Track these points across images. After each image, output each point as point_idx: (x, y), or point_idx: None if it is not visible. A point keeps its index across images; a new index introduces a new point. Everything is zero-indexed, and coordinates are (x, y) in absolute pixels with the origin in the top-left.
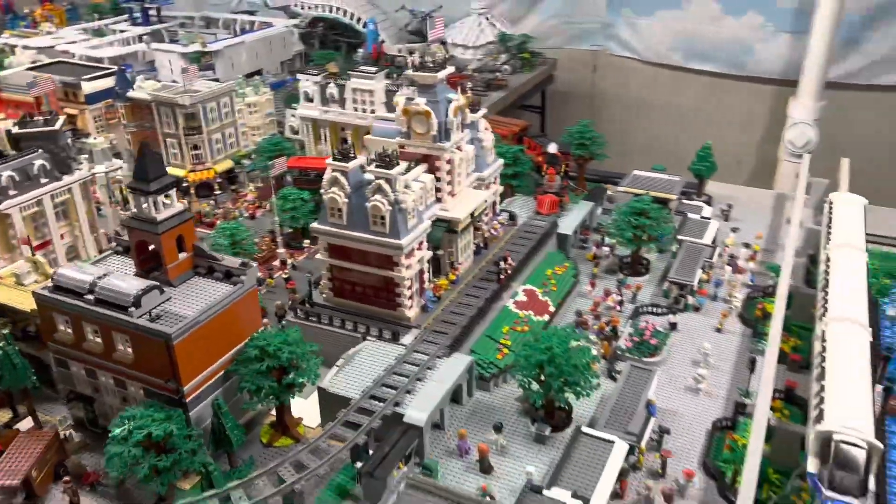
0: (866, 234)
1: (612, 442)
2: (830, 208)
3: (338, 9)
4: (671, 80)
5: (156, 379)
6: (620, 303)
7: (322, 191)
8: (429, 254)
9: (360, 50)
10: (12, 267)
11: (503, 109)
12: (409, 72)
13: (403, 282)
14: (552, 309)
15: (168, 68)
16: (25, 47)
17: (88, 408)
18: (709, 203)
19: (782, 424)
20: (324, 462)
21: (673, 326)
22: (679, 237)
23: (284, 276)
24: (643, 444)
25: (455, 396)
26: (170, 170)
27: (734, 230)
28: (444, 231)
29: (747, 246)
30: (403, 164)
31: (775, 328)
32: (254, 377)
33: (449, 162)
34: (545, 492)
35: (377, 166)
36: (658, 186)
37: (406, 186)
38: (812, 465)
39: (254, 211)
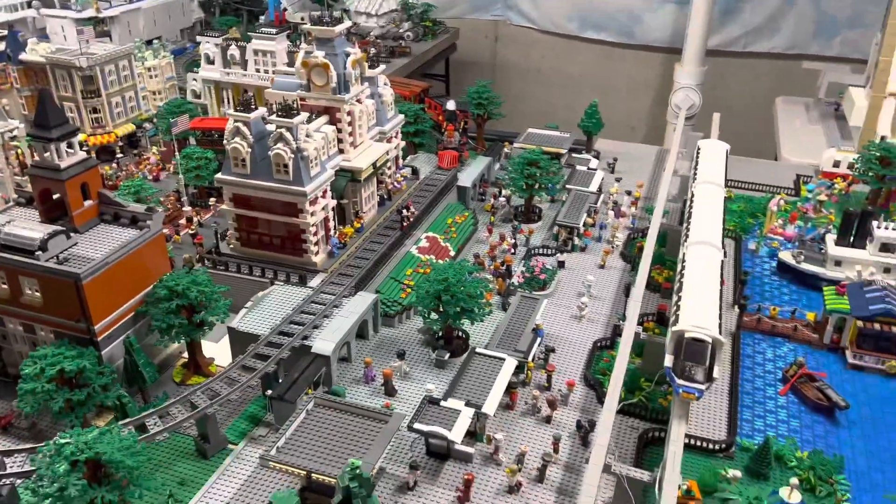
0: (737, 182)
1: (503, 359)
2: (698, 153)
3: None
4: (567, 49)
5: (66, 321)
6: (514, 246)
7: (225, 142)
8: (333, 202)
9: (262, 17)
10: None
11: (406, 76)
12: (308, 26)
13: (309, 228)
14: (452, 253)
15: (61, 35)
16: None
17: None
18: (597, 157)
19: (651, 338)
20: (235, 389)
21: (561, 265)
22: (567, 186)
23: (191, 232)
24: (530, 359)
25: (361, 332)
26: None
27: (618, 180)
28: (347, 181)
29: (629, 193)
30: (304, 115)
31: (645, 258)
32: (164, 316)
33: (349, 114)
34: (442, 402)
35: (278, 116)
36: (550, 142)
37: (307, 136)
38: (668, 361)
39: (157, 173)
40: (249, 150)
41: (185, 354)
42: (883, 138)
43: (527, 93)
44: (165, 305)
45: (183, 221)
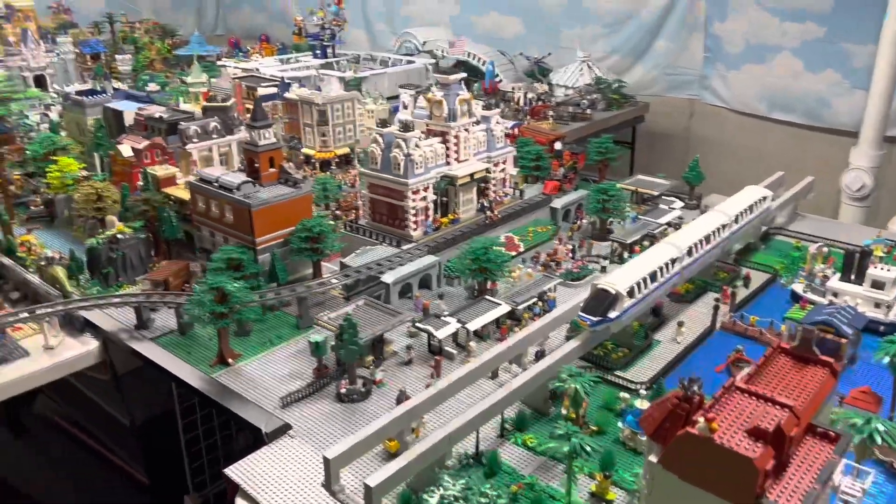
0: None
1: (500, 304)
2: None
3: (470, 54)
4: (756, 128)
5: (243, 234)
6: (573, 250)
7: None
8: (433, 196)
9: (476, 84)
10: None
11: (582, 138)
12: (436, 74)
13: (409, 210)
14: (521, 249)
15: (329, 88)
16: (234, 67)
17: (209, 256)
18: (697, 204)
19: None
20: (326, 288)
21: (603, 269)
22: (640, 216)
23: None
24: (522, 309)
25: (426, 283)
26: (304, 149)
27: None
28: (447, 183)
29: None
30: (417, 132)
31: None
32: (298, 241)
33: (455, 137)
34: (442, 317)
35: (399, 131)
36: (648, 185)
37: (416, 146)
38: (581, 306)
39: (354, 182)
40: (381, 152)
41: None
42: None
43: (717, 165)
44: (301, 235)
45: (353, 212)
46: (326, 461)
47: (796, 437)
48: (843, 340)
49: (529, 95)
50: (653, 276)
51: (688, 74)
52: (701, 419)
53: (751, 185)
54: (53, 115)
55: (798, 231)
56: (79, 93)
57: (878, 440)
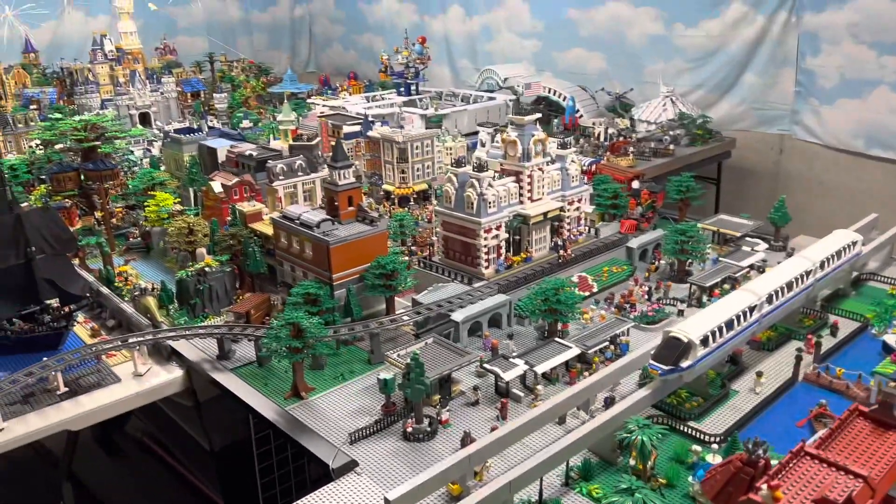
0: None
1: (570, 347)
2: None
3: (551, 89)
4: (852, 165)
5: (321, 270)
6: (649, 292)
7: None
8: (505, 235)
9: (556, 120)
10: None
11: (664, 175)
12: (510, 116)
13: (482, 248)
14: (595, 290)
15: (412, 125)
16: (322, 105)
17: (289, 290)
18: (783, 246)
19: None
20: (398, 325)
21: (680, 313)
22: (721, 258)
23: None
24: (593, 352)
25: (496, 322)
26: (385, 185)
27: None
28: (519, 222)
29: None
30: (491, 171)
31: None
32: (373, 278)
33: (529, 176)
34: (510, 358)
35: (474, 170)
36: (730, 226)
37: (490, 185)
38: (653, 353)
39: (430, 217)
40: (455, 191)
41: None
42: None
43: (808, 204)
44: (375, 272)
45: (428, 248)
46: (388, 503)
47: None
48: None
49: (610, 131)
50: (729, 325)
51: (778, 109)
52: (764, 486)
53: (839, 229)
54: (155, 151)
55: (894, 277)
56: (177, 131)
57: None
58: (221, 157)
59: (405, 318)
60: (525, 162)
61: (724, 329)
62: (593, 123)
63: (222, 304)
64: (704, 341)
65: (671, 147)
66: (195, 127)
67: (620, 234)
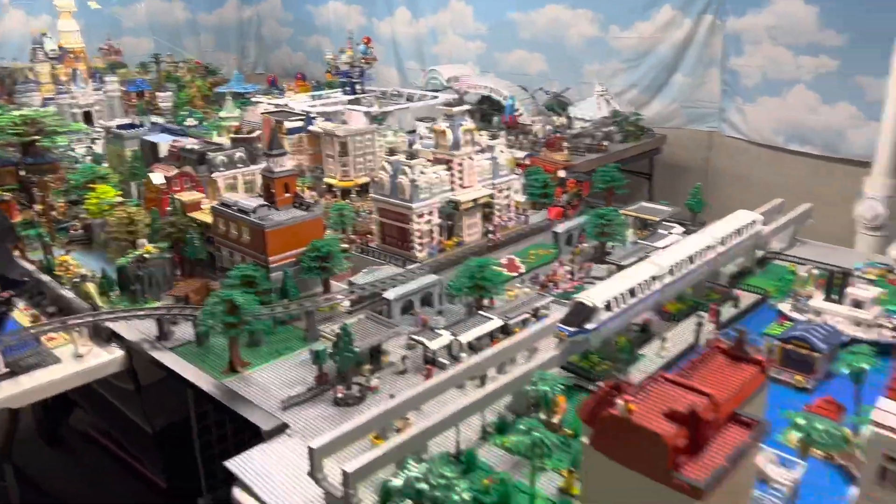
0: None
1: (492, 318)
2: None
3: (492, 89)
4: (774, 159)
5: (258, 254)
6: (571, 272)
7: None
8: (438, 220)
9: (496, 118)
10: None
11: (596, 168)
12: (440, 107)
13: (414, 232)
14: (522, 270)
15: (356, 121)
16: (267, 103)
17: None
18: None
19: None
20: (330, 303)
21: None
22: (638, 240)
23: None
24: (514, 324)
25: (428, 301)
26: (326, 178)
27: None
28: (451, 208)
29: None
30: (421, 159)
31: None
32: (308, 262)
33: (459, 164)
34: (436, 329)
35: (405, 159)
36: (649, 212)
37: (422, 172)
38: (561, 318)
39: (371, 208)
40: (389, 179)
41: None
42: None
43: (733, 195)
44: (311, 254)
45: (368, 236)
46: (311, 451)
47: (714, 422)
48: (817, 355)
49: (548, 128)
50: (632, 292)
51: (706, 108)
52: (621, 402)
53: (742, 210)
54: (98, 149)
55: (797, 256)
56: (119, 126)
57: (817, 438)
58: (163, 151)
59: (339, 297)
60: (455, 150)
61: (627, 295)
62: (532, 122)
63: (162, 289)
64: (608, 306)
65: (604, 143)
66: (138, 123)
67: (548, 220)
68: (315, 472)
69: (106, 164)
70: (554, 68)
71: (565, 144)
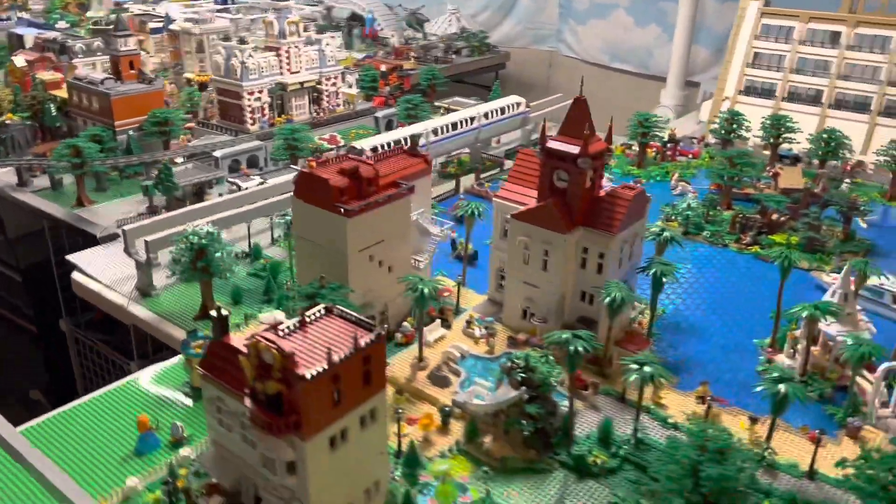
0: None
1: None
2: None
3: (357, 4)
4: (601, 76)
5: (105, 119)
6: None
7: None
8: (267, 99)
9: (357, 31)
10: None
11: (446, 81)
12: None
13: (246, 107)
14: (340, 144)
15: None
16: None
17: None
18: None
19: None
20: (167, 155)
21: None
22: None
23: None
24: None
25: (254, 163)
26: (185, 73)
27: None
28: (280, 89)
29: None
30: (250, 45)
31: None
32: (150, 127)
33: (287, 52)
34: (252, 177)
35: (237, 43)
36: (459, 105)
37: (251, 56)
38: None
39: None
40: (223, 61)
41: None
42: None
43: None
44: (151, 120)
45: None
46: (124, 232)
47: (372, 179)
48: None
49: (401, 40)
50: (396, 143)
51: (547, 29)
52: (311, 163)
53: (512, 95)
54: None
55: None
56: None
57: None
58: (29, 43)
59: (174, 154)
60: (282, 39)
61: (391, 144)
62: (392, 35)
63: (24, 148)
64: (374, 149)
65: (451, 56)
66: (4, 17)
67: (373, 107)
68: (128, 248)
69: None
70: None
71: (412, 54)
